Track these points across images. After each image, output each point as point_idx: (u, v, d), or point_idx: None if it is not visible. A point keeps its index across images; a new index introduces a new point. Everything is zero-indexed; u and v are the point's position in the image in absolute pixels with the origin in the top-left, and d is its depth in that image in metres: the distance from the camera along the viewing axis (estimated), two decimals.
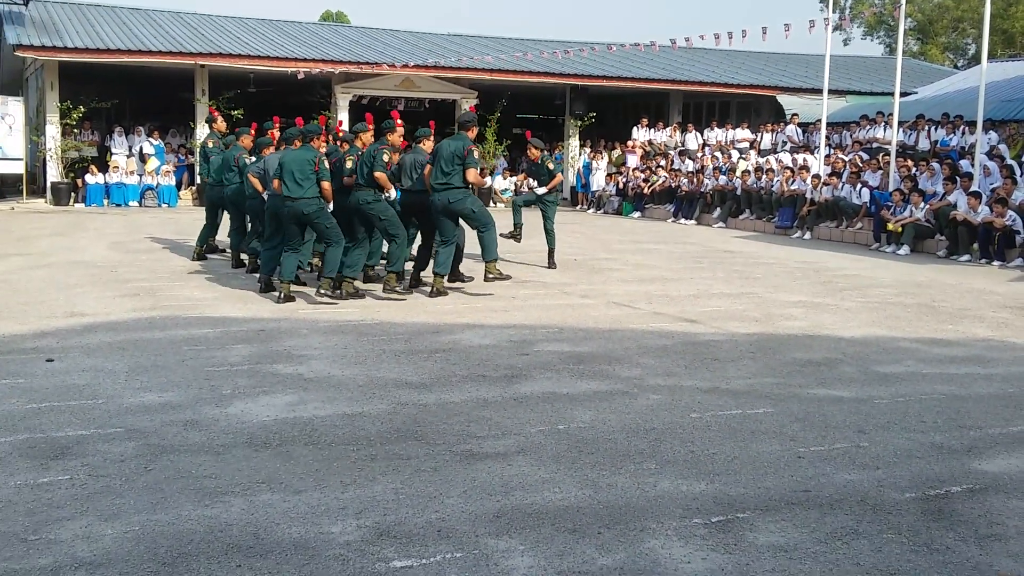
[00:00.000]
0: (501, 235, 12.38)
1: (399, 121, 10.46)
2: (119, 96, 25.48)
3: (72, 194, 22.29)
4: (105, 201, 22.47)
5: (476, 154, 10.10)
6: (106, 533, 3.91)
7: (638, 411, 5.88)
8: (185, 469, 4.68)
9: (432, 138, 10.59)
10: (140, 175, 23.13)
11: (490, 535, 3.98)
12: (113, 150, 23.63)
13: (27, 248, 13.75)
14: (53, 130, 22.32)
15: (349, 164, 10.00)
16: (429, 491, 4.45)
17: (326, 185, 9.42)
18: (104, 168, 22.94)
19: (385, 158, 9.71)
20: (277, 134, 11.11)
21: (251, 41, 25.27)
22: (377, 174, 9.65)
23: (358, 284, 10.08)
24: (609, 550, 3.86)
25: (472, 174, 9.82)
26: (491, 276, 10.21)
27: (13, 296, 9.54)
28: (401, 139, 10.35)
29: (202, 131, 22.26)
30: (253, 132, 12.08)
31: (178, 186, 23.31)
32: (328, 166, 9.58)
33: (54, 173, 22.35)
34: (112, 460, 4.78)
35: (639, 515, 4.22)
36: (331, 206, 9.66)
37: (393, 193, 9.91)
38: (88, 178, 22.49)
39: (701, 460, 4.98)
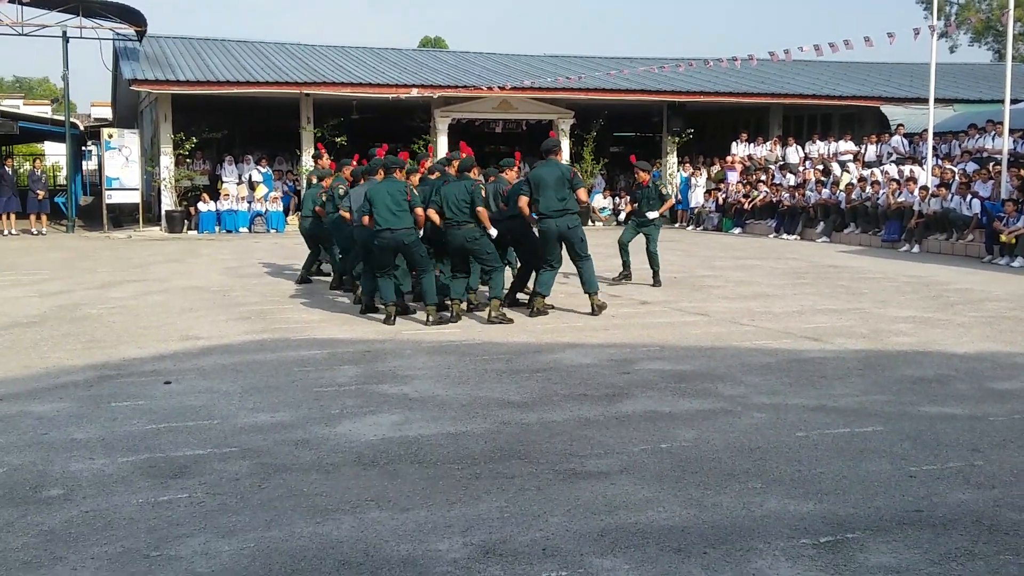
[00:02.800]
0: (612, 280, 12.46)
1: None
2: (229, 126, 26.41)
3: (185, 222, 23.11)
4: (217, 228, 23.24)
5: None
6: (223, 550, 4.06)
7: (742, 430, 5.83)
8: (297, 487, 4.82)
9: (516, 168, 10.89)
10: (250, 202, 23.86)
11: (595, 554, 4.00)
12: (224, 178, 24.43)
13: (144, 275, 14.32)
14: (167, 160, 23.21)
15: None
16: (533, 509, 4.49)
17: (420, 212, 9.59)
18: (215, 196, 23.75)
19: (483, 192, 9.89)
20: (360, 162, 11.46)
21: (353, 69, 25.89)
22: (479, 209, 9.76)
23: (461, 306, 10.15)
24: (715, 570, 3.84)
25: (583, 193, 10.14)
26: (597, 307, 10.16)
27: (132, 321, 9.96)
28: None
29: (308, 158, 22.93)
30: (354, 163, 12.24)
31: (286, 212, 23.98)
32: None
33: (168, 202, 23.24)
34: (228, 479, 4.96)
35: (745, 535, 4.19)
36: (421, 232, 9.81)
37: (493, 231, 9.99)
38: (200, 206, 23.31)
39: (808, 479, 4.91)
